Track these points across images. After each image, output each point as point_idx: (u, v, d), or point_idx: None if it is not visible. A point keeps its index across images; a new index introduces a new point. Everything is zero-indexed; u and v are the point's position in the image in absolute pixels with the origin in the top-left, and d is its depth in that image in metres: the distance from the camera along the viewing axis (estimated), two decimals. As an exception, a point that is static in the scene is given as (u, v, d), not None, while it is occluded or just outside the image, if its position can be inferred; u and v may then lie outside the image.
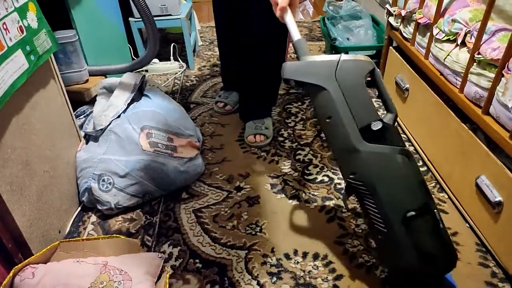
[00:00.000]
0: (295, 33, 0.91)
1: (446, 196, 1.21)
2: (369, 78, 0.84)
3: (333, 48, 1.73)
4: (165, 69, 2.01)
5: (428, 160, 1.32)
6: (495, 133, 0.96)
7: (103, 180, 1.16)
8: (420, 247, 0.81)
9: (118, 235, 0.99)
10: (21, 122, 0.94)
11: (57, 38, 1.26)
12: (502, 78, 0.94)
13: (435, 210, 0.81)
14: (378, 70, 0.82)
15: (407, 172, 0.81)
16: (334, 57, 0.82)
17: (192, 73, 2.03)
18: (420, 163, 1.36)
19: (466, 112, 1.09)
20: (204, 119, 1.65)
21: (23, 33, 0.91)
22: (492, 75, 0.97)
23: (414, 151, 1.41)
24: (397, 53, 1.52)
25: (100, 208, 1.17)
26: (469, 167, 1.08)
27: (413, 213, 0.80)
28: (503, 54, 0.92)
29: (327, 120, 0.83)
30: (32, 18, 0.96)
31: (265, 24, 1.33)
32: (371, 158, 0.81)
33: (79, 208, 1.21)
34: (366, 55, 1.09)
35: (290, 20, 0.92)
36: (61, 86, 1.14)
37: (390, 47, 1.58)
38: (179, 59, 2.10)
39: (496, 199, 0.96)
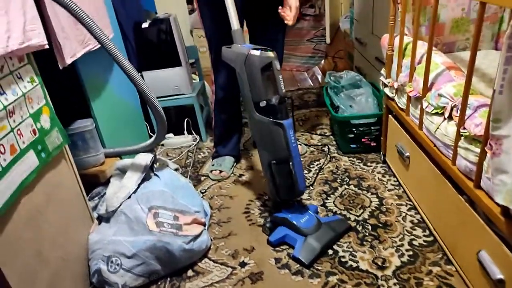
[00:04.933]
0: (235, 22, 1.30)
1: (454, 269, 1.18)
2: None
3: (333, 117, 1.80)
4: (180, 143, 2.13)
5: (434, 229, 1.30)
6: (487, 208, 0.96)
7: (111, 261, 1.22)
8: (278, 183, 1.36)
9: (121, 320, 1.02)
10: (33, 213, 1.01)
11: (75, 128, 1.40)
12: (487, 154, 0.95)
13: (291, 163, 1.30)
14: (276, 62, 1.24)
15: (276, 137, 1.29)
16: (245, 50, 1.24)
17: (204, 145, 2.13)
18: (427, 232, 1.34)
19: (460, 185, 1.09)
20: (213, 191, 1.71)
21: (35, 135, 0.98)
22: (478, 150, 0.99)
23: (420, 219, 1.40)
24: (396, 122, 1.56)
25: (108, 289, 1.21)
26: (470, 239, 1.07)
27: (274, 161, 1.32)
28: (484, 130, 0.94)
29: (243, 93, 1.32)
30: (45, 119, 1.03)
31: None
32: (257, 124, 1.31)
33: (90, 289, 1.26)
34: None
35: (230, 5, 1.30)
36: (75, 174, 1.24)
37: (389, 115, 1.62)
38: (193, 132, 2.21)
39: (497, 277, 0.93)
